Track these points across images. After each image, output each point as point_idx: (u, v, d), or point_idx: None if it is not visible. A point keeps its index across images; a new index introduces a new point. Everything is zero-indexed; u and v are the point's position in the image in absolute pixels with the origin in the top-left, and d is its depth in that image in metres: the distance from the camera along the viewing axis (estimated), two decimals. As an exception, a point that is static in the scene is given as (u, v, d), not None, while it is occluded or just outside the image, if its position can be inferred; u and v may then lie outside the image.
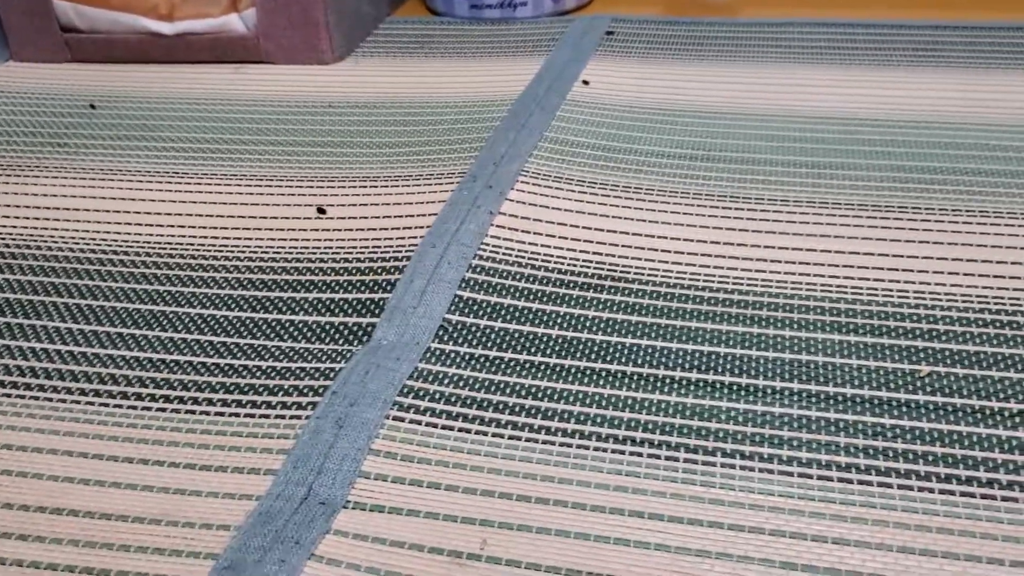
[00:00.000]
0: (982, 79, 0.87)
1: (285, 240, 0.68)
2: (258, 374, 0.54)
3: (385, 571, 0.41)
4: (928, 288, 0.58)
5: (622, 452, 0.47)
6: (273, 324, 0.59)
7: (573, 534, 0.43)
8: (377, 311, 0.59)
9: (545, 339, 0.56)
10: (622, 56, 0.97)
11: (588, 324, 0.57)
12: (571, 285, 0.60)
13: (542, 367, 0.53)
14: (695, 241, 0.64)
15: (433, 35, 1.08)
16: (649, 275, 0.61)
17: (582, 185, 0.72)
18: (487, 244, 0.64)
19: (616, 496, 0.45)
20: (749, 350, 0.54)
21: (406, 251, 0.65)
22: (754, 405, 0.50)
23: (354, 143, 0.82)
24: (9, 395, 0.54)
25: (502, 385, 0.52)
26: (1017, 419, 0.48)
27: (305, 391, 0.52)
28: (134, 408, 0.52)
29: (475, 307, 0.58)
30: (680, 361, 0.53)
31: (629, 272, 0.61)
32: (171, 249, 0.67)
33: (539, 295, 0.59)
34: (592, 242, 0.65)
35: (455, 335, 0.56)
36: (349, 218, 0.70)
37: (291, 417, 0.51)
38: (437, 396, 0.51)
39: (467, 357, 0.54)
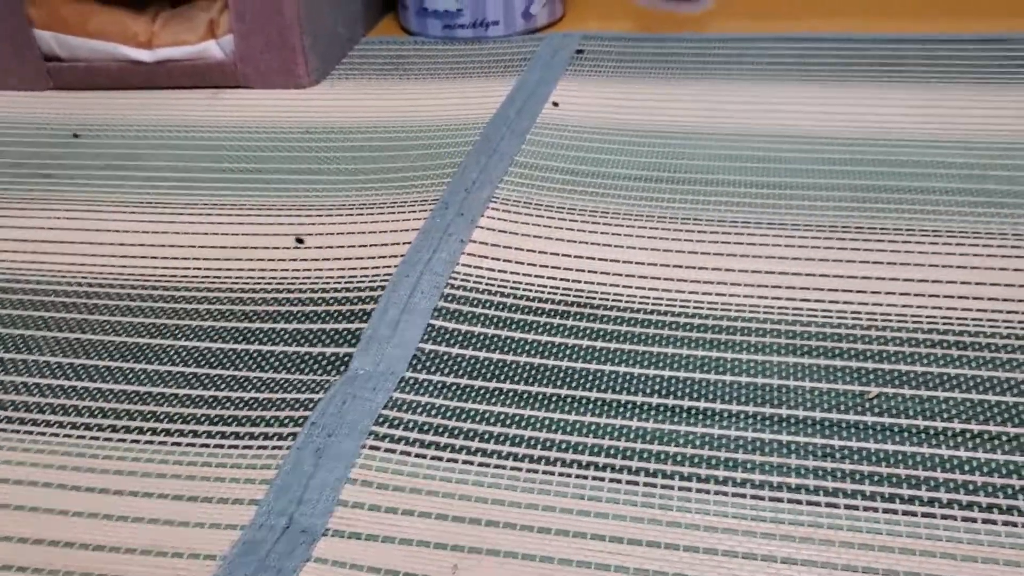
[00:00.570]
0: (942, 94, 0.90)
1: (265, 270, 0.70)
2: (241, 405, 0.57)
3: (362, 597, 0.44)
4: (880, 309, 0.61)
5: (585, 477, 0.50)
6: (255, 355, 0.61)
7: (538, 558, 0.45)
8: (354, 341, 0.61)
9: (513, 366, 0.58)
10: (591, 75, 1.00)
11: (555, 351, 0.59)
12: (539, 312, 0.63)
13: (510, 394, 0.56)
14: (658, 265, 0.67)
15: (407, 56, 1.10)
16: (613, 301, 0.64)
17: (551, 210, 0.74)
18: (458, 273, 0.67)
19: (579, 520, 0.47)
20: (708, 374, 0.57)
21: (381, 280, 0.67)
22: (710, 429, 0.53)
23: (331, 170, 0.84)
24: (4, 430, 0.56)
25: (472, 413, 0.55)
26: (959, 439, 0.51)
27: (286, 421, 0.55)
28: (123, 441, 0.55)
29: (448, 336, 0.61)
30: (641, 387, 0.56)
31: (595, 298, 0.64)
32: (155, 281, 0.70)
33: (508, 323, 0.62)
34: (559, 268, 0.67)
35: (428, 364, 0.59)
36: (327, 247, 0.72)
37: (273, 447, 0.53)
38: (411, 425, 0.54)
39: (440, 386, 0.57)
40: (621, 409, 0.54)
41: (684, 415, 0.54)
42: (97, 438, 0.55)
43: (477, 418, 0.54)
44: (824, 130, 0.85)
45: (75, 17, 1.04)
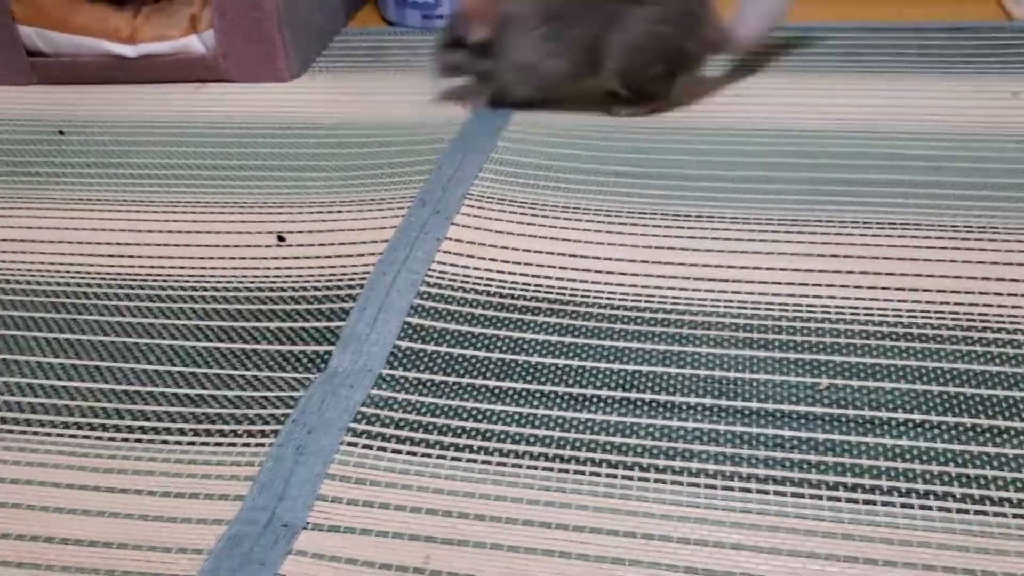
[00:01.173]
0: (906, 84, 0.92)
1: (248, 269, 0.73)
2: (225, 403, 0.60)
3: (340, 587, 0.47)
4: (834, 302, 0.64)
5: (551, 469, 0.53)
6: (238, 353, 0.64)
7: (506, 547, 0.49)
8: (333, 339, 0.64)
9: (486, 363, 0.61)
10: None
11: (525, 347, 0.62)
12: (511, 309, 0.66)
13: (482, 389, 0.59)
14: (625, 261, 0.70)
15: (386, 47, 1.12)
16: (582, 297, 0.67)
17: (524, 207, 0.77)
18: (434, 271, 0.70)
19: (544, 510, 0.51)
20: (668, 368, 0.60)
21: (360, 279, 0.70)
22: (669, 421, 0.56)
23: (311, 167, 0.86)
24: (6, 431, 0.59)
25: (446, 408, 0.58)
26: (902, 428, 0.54)
27: (268, 419, 0.58)
28: (112, 440, 0.57)
29: (423, 334, 0.64)
30: (606, 380, 0.59)
31: (564, 294, 0.67)
32: (141, 281, 0.72)
33: (482, 320, 0.65)
34: (532, 265, 0.70)
35: (405, 362, 0.62)
36: (307, 245, 0.75)
37: (255, 445, 0.56)
38: (387, 421, 0.57)
39: (415, 382, 0.60)
40: (587, 403, 0.57)
41: (645, 408, 0.57)
42: (88, 437, 0.58)
43: (450, 414, 0.57)
44: (788, 122, 0.87)
45: (58, 13, 1.06)
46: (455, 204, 0.77)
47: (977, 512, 0.49)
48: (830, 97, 0.91)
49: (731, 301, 0.65)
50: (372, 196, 0.81)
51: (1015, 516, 0.49)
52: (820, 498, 0.50)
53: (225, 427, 0.58)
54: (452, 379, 0.60)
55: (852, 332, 0.62)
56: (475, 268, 0.70)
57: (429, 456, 0.54)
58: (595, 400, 0.58)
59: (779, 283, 0.67)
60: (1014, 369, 0.58)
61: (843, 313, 0.63)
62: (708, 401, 0.57)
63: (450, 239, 0.73)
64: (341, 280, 0.70)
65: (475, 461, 0.54)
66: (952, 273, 0.66)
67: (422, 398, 0.59)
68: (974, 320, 0.62)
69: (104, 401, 0.61)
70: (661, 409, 0.57)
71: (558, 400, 0.58)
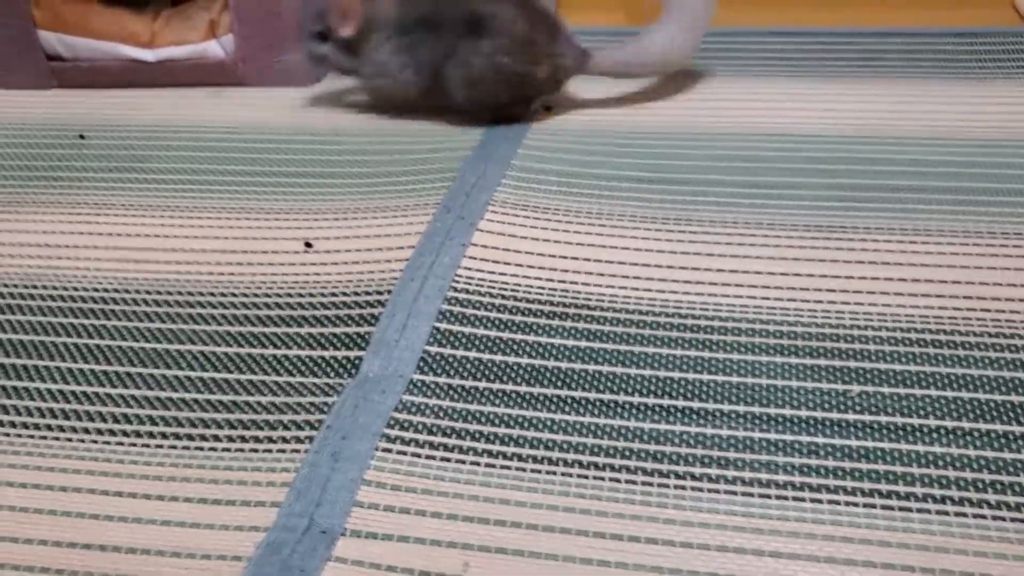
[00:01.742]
0: (923, 90, 0.93)
1: (276, 275, 0.73)
2: (258, 409, 0.60)
3: (381, 593, 0.47)
4: (861, 308, 0.65)
5: (586, 476, 0.53)
6: (269, 359, 0.64)
7: (543, 555, 0.49)
8: (363, 344, 0.65)
9: (516, 368, 0.61)
10: (582, 76, 1.02)
11: (555, 352, 0.63)
12: (539, 314, 0.66)
13: (513, 395, 0.59)
14: (651, 266, 0.70)
15: (404, 52, 1.12)
16: (609, 302, 0.67)
17: (547, 212, 0.77)
18: (460, 276, 0.70)
19: (581, 518, 0.51)
20: (700, 374, 0.60)
21: (388, 284, 0.70)
22: (704, 428, 0.56)
23: (335, 173, 0.87)
24: (32, 436, 0.59)
25: (478, 414, 0.58)
26: (935, 434, 0.55)
27: (302, 424, 0.58)
28: (147, 446, 0.58)
29: (452, 339, 0.64)
30: (637, 387, 0.59)
31: (591, 300, 0.67)
32: (170, 287, 0.73)
33: (509, 325, 0.65)
34: (557, 270, 0.70)
35: (435, 367, 0.62)
36: (334, 251, 0.75)
37: (291, 451, 0.56)
38: (420, 427, 0.57)
39: (446, 388, 0.60)
40: (619, 409, 0.58)
41: (679, 415, 0.57)
42: (122, 444, 0.58)
43: (483, 419, 0.58)
44: (808, 128, 0.88)
45: (77, 17, 1.06)
46: (479, 210, 0.77)
47: (1013, 519, 0.49)
48: (848, 102, 0.92)
49: (759, 307, 0.65)
50: (396, 203, 0.81)
51: (1051, 523, 0.49)
52: (856, 505, 0.51)
53: (260, 433, 0.58)
54: (483, 384, 0.60)
55: (881, 338, 0.62)
56: (501, 274, 0.70)
57: (463, 462, 0.55)
58: (627, 407, 0.58)
59: (807, 289, 0.67)
60: (1044, 376, 0.58)
61: (871, 319, 0.64)
62: (741, 408, 0.57)
63: (475, 245, 0.73)
64: (369, 286, 0.71)
65: (509, 468, 0.54)
66: (980, 279, 0.66)
67: (454, 403, 0.59)
68: (1002, 326, 0.62)
69: (137, 407, 0.61)
70: (695, 416, 0.57)
71: (590, 406, 0.58)
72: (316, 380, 0.62)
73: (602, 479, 0.53)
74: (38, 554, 0.51)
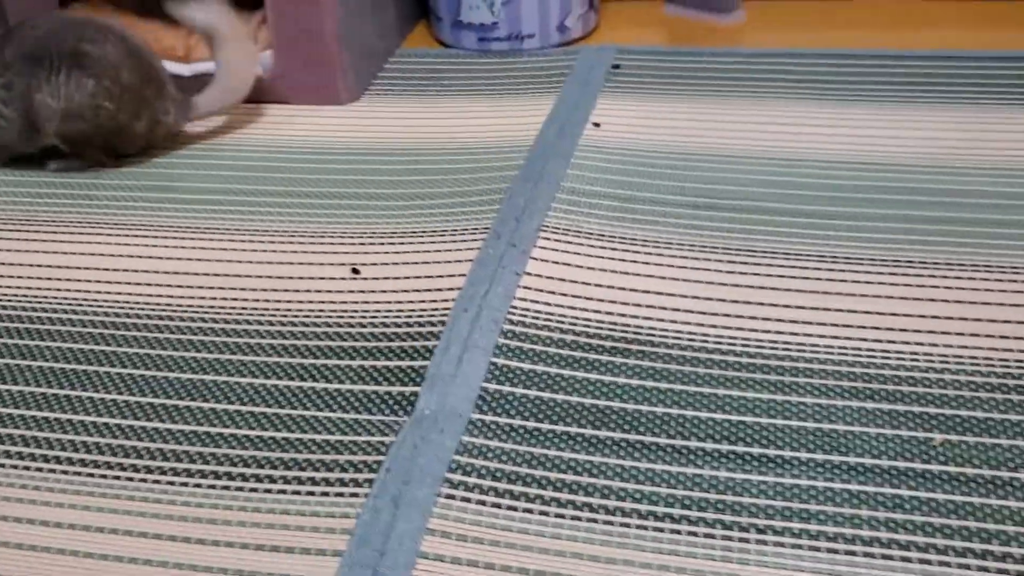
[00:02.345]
0: (994, 116, 0.89)
1: (324, 302, 0.71)
2: (312, 447, 0.58)
3: (452, 655, 0.45)
4: (936, 350, 0.62)
5: (661, 530, 0.51)
6: (321, 393, 0.62)
7: (623, 614, 0.46)
8: (418, 379, 0.62)
9: (579, 408, 0.59)
10: (629, 93, 1.00)
11: (619, 392, 0.60)
12: (599, 350, 0.64)
13: (578, 438, 0.57)
14: (714, 300, 0.68)
15: (442, 69, 1.10)
16: (674, 338, 0.64)
17: (601, 240, 0.75)
18: (516, 308, 0.68)
19: (658, 575, 0.48)
20: (774, 419, 0.58)
21: (440, 315, 0.68)
22: (782, 478, 0.53)
23: (379, 195, 0.84)
24: (79, 473, 0.57)
25: (542, 459, 0.56)
26: (1025, 487, 0.52)
27: (359, 466, 0.56)
28: (199, 486, 0.55)
29: (510, 375, 0.62)
30: (709, 432, 0.57)
31: (654, 335, 0.65)
32: (215, 314, 0.70)
33: (570, 361, 0.63)
34: (615, 302, 0.68)
35: (494, 405, 0.60)
36: (382, 278, 0.73)
37: (349, 495, 0.54)
38: (483, 472, 0.55)
39: (507, 429, 0.58)
40: (692, 456, 0.55)
41: (754, 463, 0.54)
42: (172, 483, 0.56)
43: (548, 465, 0.55)
44: (872, 155, 0.85)
45: (112, 31, 1.04)
46: (531, 237, 0.75)
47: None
48: (911, 128, 0.89)
49: (831, 347, 0.63)
50: (443, 227, 0.79)
51: None
52: (948, 564, 0.48)
53: (316, 474, 0.56)
54: (545, 426, 0.58)
55: (961, 383, 0.59)
56: (558, 306, 0.68)
57: (531, 512, 0.52)
58: (699, 453, 0.55)
59: (879, 328, 0.64)
60: None
61: (947, 362, 0.61)
62: (819, 456, 0.55)
63: (529, 274, 0.71)
64: (421, 316, 0.68)
65: (579, 519, 0.52)
66: (1060, 321, 0.64)
67: (516, 446, 0.57)
68: (1088, 372, 0.60)
69: (185, 444, 0.59)
70: (771, 464, 0.54)
71: (660, 452, 0.56)
72: (371, 417, 0.60)
73: (678, 532, 0.51)
74: (89, 604, 0.49)
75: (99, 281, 0.75)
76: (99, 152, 0.91)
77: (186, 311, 0.71)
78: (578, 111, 0.96)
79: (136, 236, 0.81)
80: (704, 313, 0.67)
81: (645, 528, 0.51)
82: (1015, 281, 0.68)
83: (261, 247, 0.78)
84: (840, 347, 0.63)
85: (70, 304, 0.72)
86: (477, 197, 0.83)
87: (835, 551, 0.49)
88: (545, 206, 0.79)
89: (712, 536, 0.50)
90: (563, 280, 0.70)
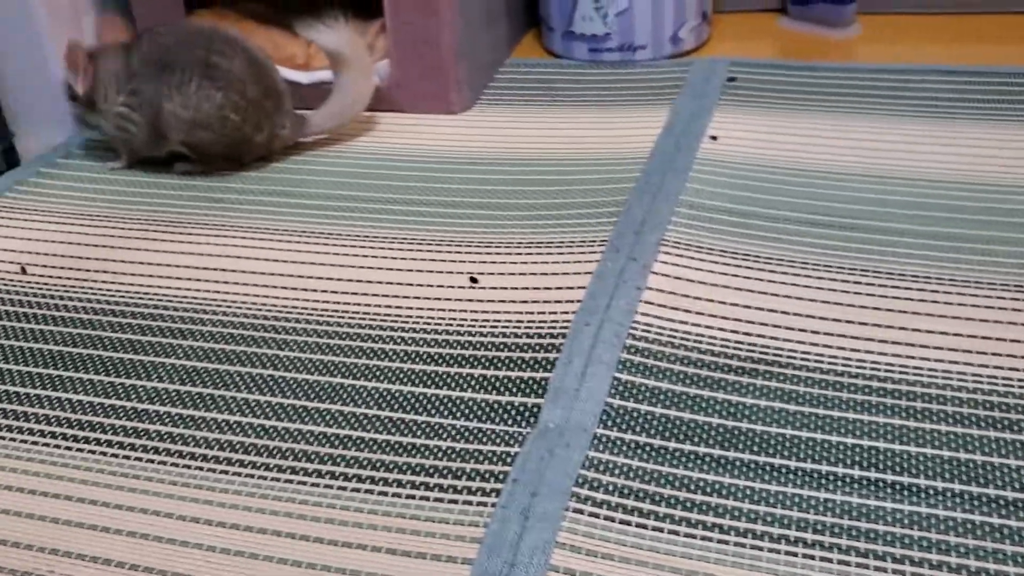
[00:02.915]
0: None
1: (444, 310, 0.72)
2: (439, 454, 0.58)
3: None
4: (1080, 381, 0.60)
5: (794, 554, 0.50)
6: (444, 400, 0.63)
7: (758, 639, 0.46)
8: (540, 391, 0.62)
9: (706, 428, 0.59)
10: (745, 106, 0.99)
11: (747, 412, 0.59)
12: (725, 369, 0.63)
13: (706, 458, 0.56)
14: (842, 322, 0.66)
15: (553, 79, 1.11)
16: (802, 359, 0.63)
17: (723, 256, 0.74)
18: (638, 323, 0.67)
19: (795, 601, 0.48)
20: (907, 446, 0.56)
21: (560, 327, 0.68)
22: (918, 507, 0.52)
23: (495, 204, 0.85)
24: (213, 469, 0.59)
25: (670, 477, 0.55)
26: None
27: (486, 475, 0.56)
28: (329, 488, 0.57)
29: (635, 391, 0.62)
30: (840, 456, 0.56)
31: (781, 355, 0.64)
32: (339, 317, 0.72)
33: (695, 379, 0.62)
34: (742, 321, 0.67)
35: (619, 421, 0.59)
36: (500, 288, 0.74)
37: (477, 503, 0.54)
38: (611, 488, 0.55)
39: (633, 445, 0.58)
40: (823, 480, 0.54)
41: (888, 490, 0.53)
42: (304, 483, 0.57)
43: (676, 484, 0.55)
44: (998, 176, 0.82)
45: (235, 38, 1.07)
46: (651, 251, 0.75)
47: None
48: (1039, 149, 0.86)
49: (964, 373, 0.61)
50: (561, 237, 0.79)
51: None
52: (1101, 607, 0.46)
53: (443, 481, 0.56)
54: (672, 444, 0.58)
55: (1106, 416, 0.57)
56: (681, 322, 0.68)
57: (660, 530, 0.52)
58: (831, 478, 0.54)
59: (1015, 356, 0.62)
60: None
61: (1092, 394, 0.59)
62: (957, 487, 0.53)
63: (651, 289, 0.71)
64: (541, 328, 0.69)
65: (710, 540, 0.51)
66: None
67: (643, 464, 0.56)
68: None
69: (315, 445, 0.60)
70: (906, 492, 0.53)
71: (790, 475, 0.55)
72: (494, 427, 0.60)
73: (811, 557, 0.50)
74: (229, 599, 0.50)
75: (226, 282, 0.77)
76: (220, 160, 0.94)
77: (311, 314, 0.72)
78: (694, 124, 0.95)
79: (260, 239, 0.83)
80: (831, 334, 0.65)
81: (777, 552, 0.50)
82: None
83: (380, 253, 0.79)
84: (973, 374, 0.61)
85: (200, 303, 0.75)
86: (594, 209, 0.83)
87: (978, 586, 0.48)
88: (664, 220, 0.79)
89: (847, 564, 0.49)
90: (685, 296, 0.70)
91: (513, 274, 0.75)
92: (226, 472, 0.59)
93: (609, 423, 0.59)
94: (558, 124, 0.99)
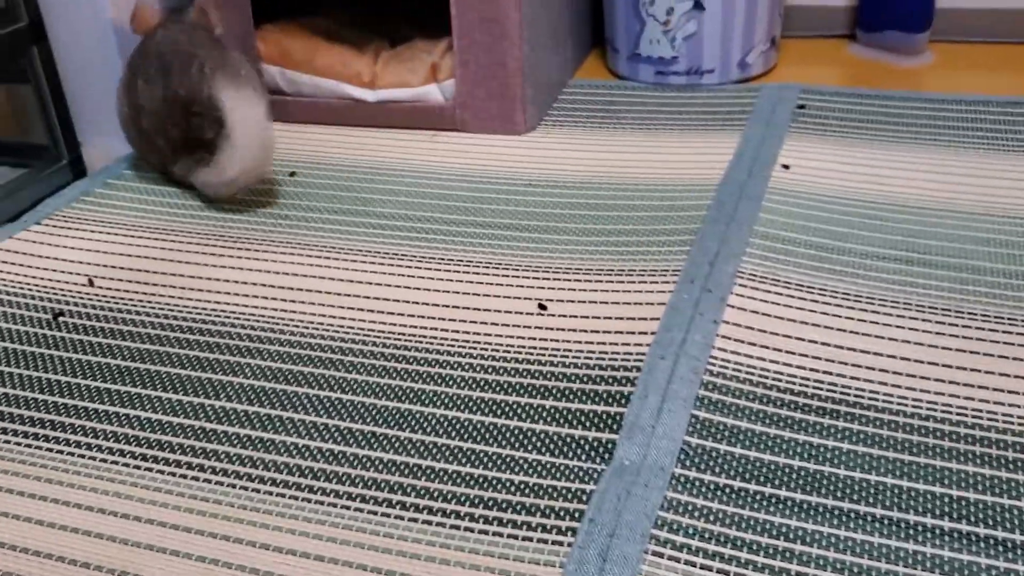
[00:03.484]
0: None
1: (512, 336, 0.71)
2: (511, 488, 0.57)
3: None
4: None
5: (887, 609, 0.48)
6: (516, 432, 0.62)
7: None
8: (615, 426, 0.61)
9: (788, 470, 0.57)
10: (817, 135, 0.97)
11: (830, 456, 0.58)
12: (806, 409, 0.61)
13: (788, 503, 0.55)
14: (926, 363, 0.64)
15: (618, 102, 1.09)
16: (884, 402, 0.61)
17: (800, 290, 0.72)
18: (716, 358, 0.66)
19: (888, 660, 0.46)
20: (1000, 498, 0.54)
21: (634, 360, 0.67)
22: (1014, 564, 0.50)
23: (562, 229, 0.84)
24: (281, 494, 0.58)
25: (751, 521, 0.54)
26: None
27: (560, 513, 0.55)
28: (400, 519, 0.56)
29: (713, 429, 0.60)
30: (929, 506, 0.54)
31: (863, 397, 0.62)
32: (405, 340, 0.71)
33: (775, 419, 0.61)
34: (822, 359, 0.65)
35: (698, 461, 0.58)
36: (570, 316, 0.72)
37: (553, 542, 0.53)
38: (691, 531, 0.53)
39: (712, 487, 0.56)
40: (911, 531, 0.52)
41: (980, 544, 0.51)
42: (375, 512, 0.56)
43: (757, 528, 0.53)
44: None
45: (302, 53, 1.07)
46: (726, 283, 0.73)
47: None
48: None
49: (1059, 423, 0.59)
50: (631, 266, 0.78)
51: None
52: None
53: (517, 517, 0.55)
54: (752, 487, 0.56)
55: None
56: (759, 359, 0.66)
57: (743, 577, 0.50)
58: (919, 528, 0.52)
59: (1112, 406, 0.60)
60: None
61: None
62: (1056, 544, 0.51)
63: (727, 323, 0.69)
64: (614, 359, 0.67)
65: (796, 588, 0.49)
66: None
67: (723, 506, 0.55)
68: None
69: (385, 473, 0.59)
70: (1000, 548, 0.51)
71: (877, 524, 0.53)
72: (568, 462, 0.59)
73: (904, 614, 0.48)
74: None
75: (293, 301, 0.77)
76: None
77: (378, 336, 0.72)
78: (764, 151, 0.93)
79: (326, 258, 0.82)
80: (913, 376, 0.63)
81: (869, 607, 0.48)
82: None
83: (447, 275, 0.78)
84: (1070, 424, 0.59)
85: (267, 322, 0.74)
86: (665, 237, 0.81)
87: (1082, 653, 0.45)
88: (739, 250, 0.77)
89: (944, 623, 0.47)
90: (763, 331, 0.68)
91: (583, 302, 0.74)
92: (295, 498, 0.58)
93: (687, 462, 0.58)
94: (623, 147, 0.98)
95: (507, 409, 0.64)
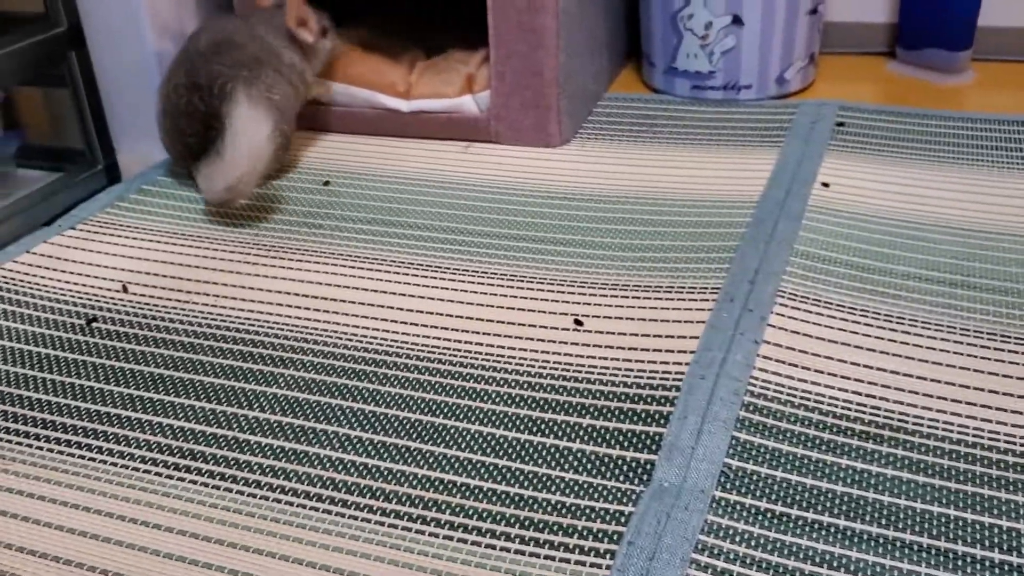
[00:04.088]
0: None
1: (548, 352, 0.70)
2: (548, 508, 0.56)
3: None
4: None
5: (936, 644, 0.47)
6: (551, 450, 0.61)
7: None
8: (654, 447, 0.60)
9: (831, 496, 0.56)
10: (856, 153, 0.96)
11: (874, 482, 0.56)
12: (849, 433, 0.60)
13: (831, 529, 0.53)
14: (971, 389, 0.63)
15: (654, 115, 1.09)
16: (929, 427, 0.60)
17: (842, 311, 0.71)
18: (756, 379, 0.65)
19: None
20: (1052, 530, 0.53)
21: (673, 379, 0.66)
22: (1068, 600, 0.49)
23: (598, 243, 0.83)
24: (316, 508, 0.57)
25: (794, 548, 0.52)
26: None
27: (598, 535, 0.54)
28: (435, 536, 0.55)
29: (754, 452, 0.59)
30: (977, 536, 0.52)
31: (907, 421, 0.61)
32: (439, 353, 0.70)
33: (817, 443, 0.59)
34: (863, 382, 0.64)
35: (739, 484, 0.57)
36: (606, 332, 0.71)
37: (591, 564, 0.52)
38: (732, 556, 0.52)
39: (754, 511, 0.55)
40: (959, 561, 0.51)
41: (1033, 578, 0.50)
42: (409, 528, 0.55)
43: (800, 555, 0.52)
44: None
45: (337, 63, 1.07)
46: (767, 302, 0.72)
47: None
48: None
49: (1111, 454, 0.57)
50: (669, 282, 0.77)
51: None
52: None
53: (554, 538, 0.54)
54: (795, 512, 0.55)
55: None
56: (800, 380, 0.65)
57: (786, 605, 0.49)
58: (968, 559, 0.51)
59: None
60: None
61: None
62: (1111, 580, 0.49)
63: (768, 343, 0.68)
64: (652, 378, 0.66)
65: (841, 619, 0.48)
66: None
67: (764, 532, 0.53)
68: None
69: (419, 488, 0.58)
70: (1053, 582, 0.49)
71: (923, 553, 0.52)
72: (606, 482, 0.58)
73: (954, 649, 0.46)
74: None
75: (327, 311, 0.76)
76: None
77: (411, 348, 0.71)
78: (803, 168, 0.92)
79: (360, 268, 0.82)
80: (959, 402, 0.62)
81: (917, 641, 0.47)
82: None
83: (480, 288, 0.78)
84: (1123, 455, 0.57)
85: (301, 332, 0.74)
86: (704, 254, 0.80)
87: None
88: (780, 269, 0.76)
89: (995, 660, 0.46)
90: (804, 352, 0.67)
91: (620, 318, 0.73)
92: (329, 512, 0.57)
93: (728, 486, 0.57)
94: (659, 162, 0.97)
95: (543, 426, 0.63)
